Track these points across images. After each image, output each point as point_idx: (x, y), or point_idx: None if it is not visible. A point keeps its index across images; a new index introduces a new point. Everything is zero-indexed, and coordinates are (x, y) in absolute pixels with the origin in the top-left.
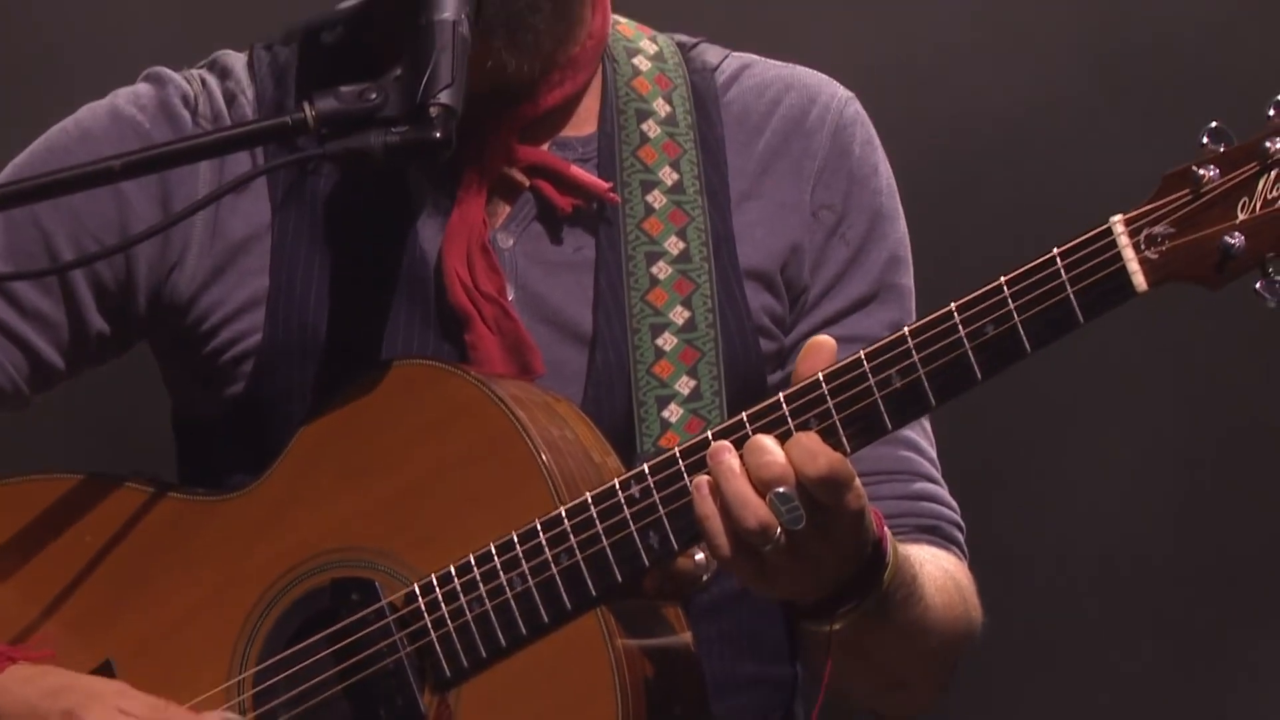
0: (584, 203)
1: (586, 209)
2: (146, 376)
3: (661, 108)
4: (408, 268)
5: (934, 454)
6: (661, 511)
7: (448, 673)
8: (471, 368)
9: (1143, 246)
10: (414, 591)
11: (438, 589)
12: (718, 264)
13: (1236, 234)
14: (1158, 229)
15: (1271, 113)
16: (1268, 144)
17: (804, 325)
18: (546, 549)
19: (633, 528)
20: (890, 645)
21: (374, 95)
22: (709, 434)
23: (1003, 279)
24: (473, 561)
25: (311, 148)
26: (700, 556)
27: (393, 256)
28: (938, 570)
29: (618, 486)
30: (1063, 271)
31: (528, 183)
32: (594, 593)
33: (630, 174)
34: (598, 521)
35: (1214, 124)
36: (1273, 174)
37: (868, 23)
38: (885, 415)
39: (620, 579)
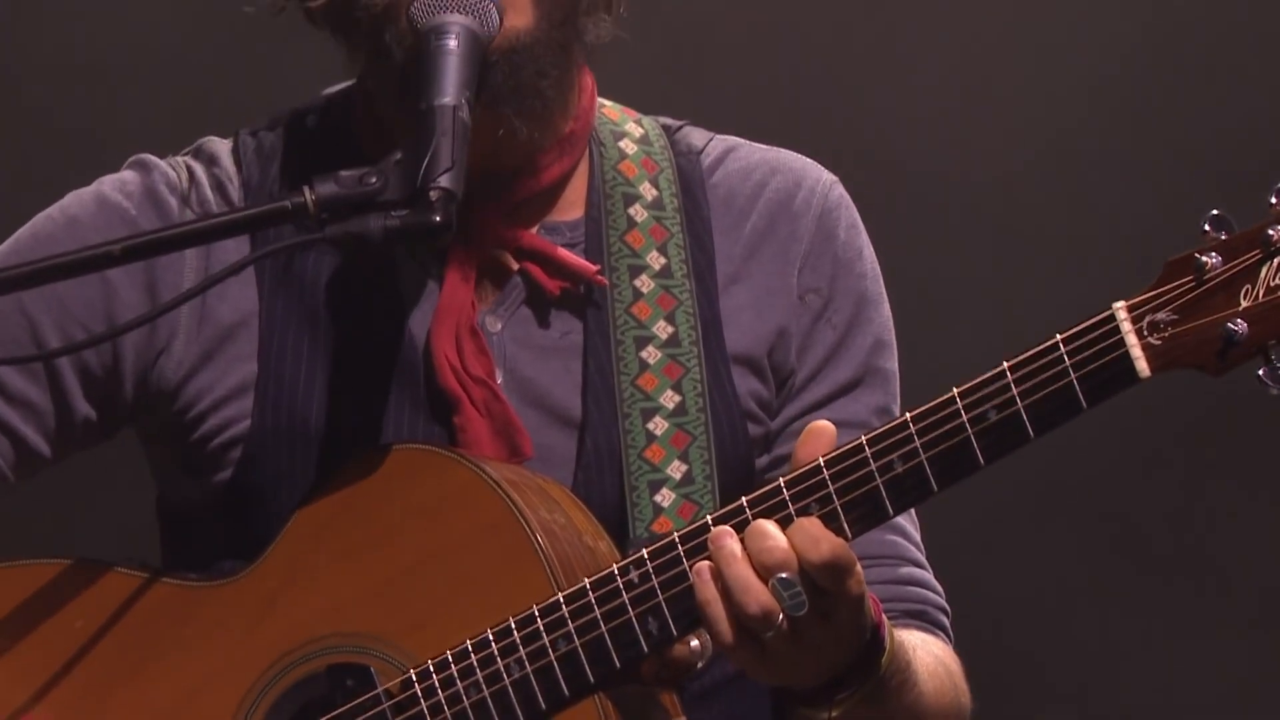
0: (572, 286)
1: (574, 292)
2: (130, 461)
3: (648, 191)
4: (396, 351)
5: (919, 538)
6: (661, 597)
7: None
8: (467, 451)
9: (1145, 333)
10: (410, 678)
11: (434, 675)
12: (706, 348)
13: (1239, 321)
14: (1160, 315)
15: (1274, 200)
16: (1270, 232)
17: (790, 409)
18: (544, 635)
19: (632, 614)
20: None
21: (374, 179)
22: (708, 519)
23: (1005, 364)
24: (469, 648)
25: (308, 232)
26: (696, 643)
27: (381, 340)
28: (928, 656)
29: (616, 572)
30: (1065, 357)
31: (517, 266)
32: (592, 679)
33: (618, 258)
34: (596, 607)
35: (1215, 212)
36: (1275, 261)
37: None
38: (887, 500)
39: (619, 665)
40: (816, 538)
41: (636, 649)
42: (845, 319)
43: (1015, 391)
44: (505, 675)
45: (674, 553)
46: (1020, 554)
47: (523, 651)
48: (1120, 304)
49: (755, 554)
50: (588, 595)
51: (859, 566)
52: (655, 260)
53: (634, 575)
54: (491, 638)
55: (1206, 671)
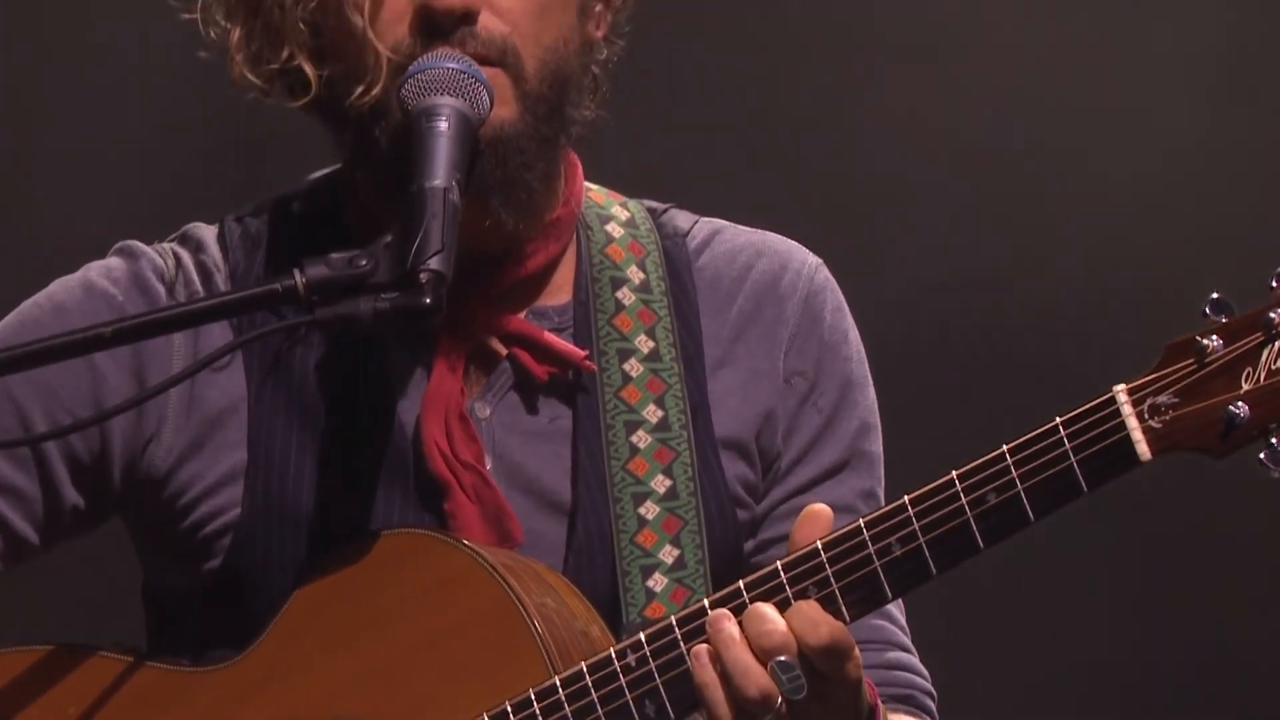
0: (561, 371)
1: (563, 377)
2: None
3: (635, 275)
4: (386, 437)
5: (904, 621)
6: (658, 680)
7: None
8: (463, 536)
9: (1146, 416)
10: None
11: None
12: (696, 432)
13: (1241, 404)
14: (1161, 398)
15: (1274, 284)
16: (1271, 315)
17: (776, 493)
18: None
19: (629, 697)
20: None
21: (364, 261)
22: (705, 602)
23: (1005, 447)
24: None
25: (296, 316)
26: None
27: (370, 426)
28: None
29: (614, 656)
30: (1066, 440)
31: (505, 352)
32: None
33: (606, 342)
34: (593, 690)
35: (1215, 295)
36: (1276, 344)
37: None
38: (886, 584)
39: None
40: (816, 621)
41: None
42: (831, 402)
43: (1015, 474)
44: None
45: (671, 636)
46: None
47: None
48: (1121, 387)
49: (754, 637)
50: (585, 679)
51: (857, 650)
52: (644, 344)
53: (631, 659)
54: None
55: None
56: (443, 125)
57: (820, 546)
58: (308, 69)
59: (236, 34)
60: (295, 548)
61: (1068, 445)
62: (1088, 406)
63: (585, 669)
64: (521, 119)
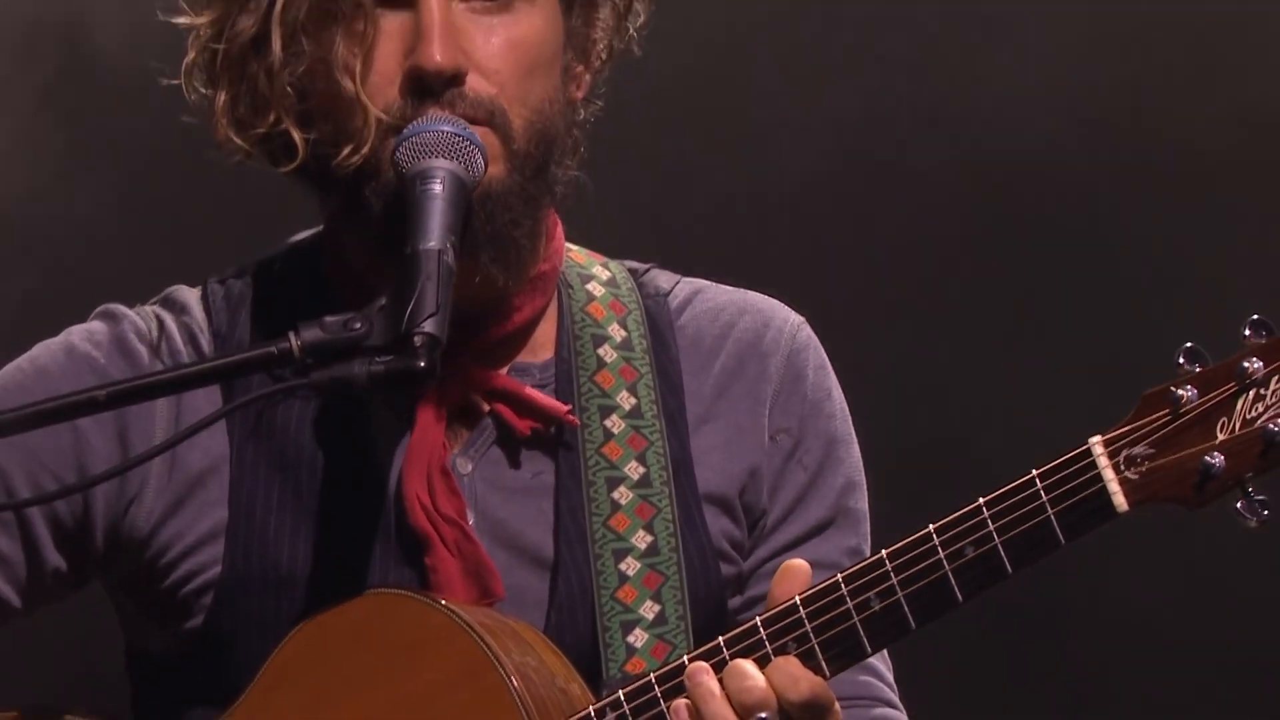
0: (543, 426)
1: (545, 433)
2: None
3: (617, 333)
4: (367, 493)
5: (891, 678)
6: None
7: None
8: (441, 596)
9: (1123, 467)
10: None
11: None
12: (677, 488)
13: (1216, 454)
14: (1137, 449)
15: (1247, 333)
16: (1245, 364)
17: (762, 550)
18: None
19: None
20: None
21: (358, 324)
22: (685, 658)
23: (982, 500)
24: None
25: (281, 379)
26: None
27: (352, 482)
28: None
29: (593, 714)
30: (1043, 493)
31: (487, 407)
32: None
33: (588, 399)
34: None
35: (1189, 344)
36: (1251, 394)
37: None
38: (865, 639)
39: None
40: (795, 677)
41: None
42: (816, 460)
43: (992, 528)
44: None
45: (651, 693)
46: None
47: None
48: (1096, 439)
49: (734, 694)
50: None
51: (838, 705)
52: (625, 400)
53: (611, 717)
54: None
55: None
56: (437, 188)
57: (799, 602)
58: (295, 133)
59: (221, 98)
60: (276, 605)
61: (1045, 497)
62: (1064, 459)
63: None
64: (510, 177)
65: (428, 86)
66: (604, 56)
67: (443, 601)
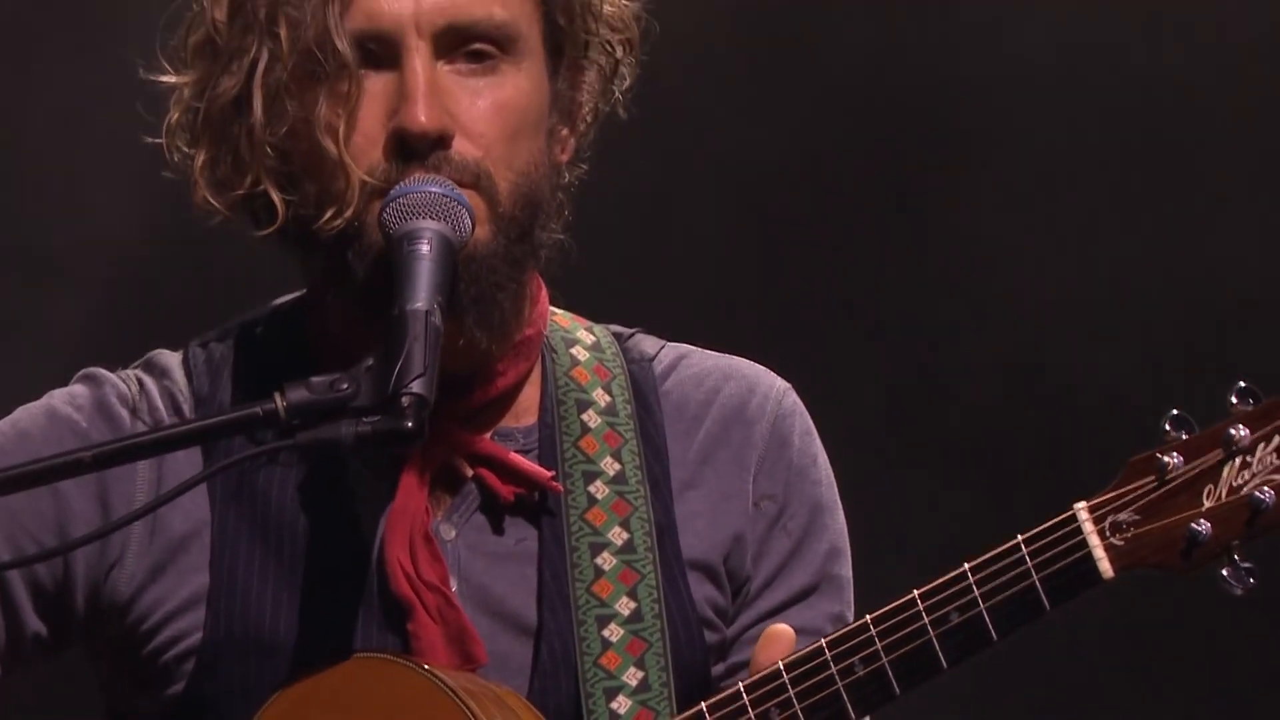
0: (526, 492)
1: (529, 499)
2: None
3: (601, 397)
4: (350, 557)
5: None
6: None
7: None
8: (422, 660)
9: (1108, 533)
10: None
11: None
12: (661, 554)
13: (1203, 521)
14: (1123, 515)
15: (1234, 400)
16: (1232, 431)
17: (746, 616)
18: None
19: None
20: None
21: (345, 385)
22: None
23: (966, 565)
24: None
25: (265, 441)
26: None
27: (334, 547)
28: None
29: None
30: (1028, 559)
31: (470, 472)
32: None
33: (572, 464)
34: None
35: (1175, 411)
36: (1237, 461)
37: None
38: (849, 704)
39: None
40: None
41: None
42: (800, 526)
43: (977, 593)
44: None
45: None
46: None
47: None
48: (1081, 504)
49: None
50: None
51: None
52: (609, 466)
53: None
54: None
55: None
56: (424, 248)
57: (782, 667)
58: (275, 195)
59: (201, 158)
60: (258, 671)
61: (1029, 563)
62: (1049, 524)
63: None
64: (495, 240)
65: (413, 149)
66: (589, 119)
67: (425, 666)
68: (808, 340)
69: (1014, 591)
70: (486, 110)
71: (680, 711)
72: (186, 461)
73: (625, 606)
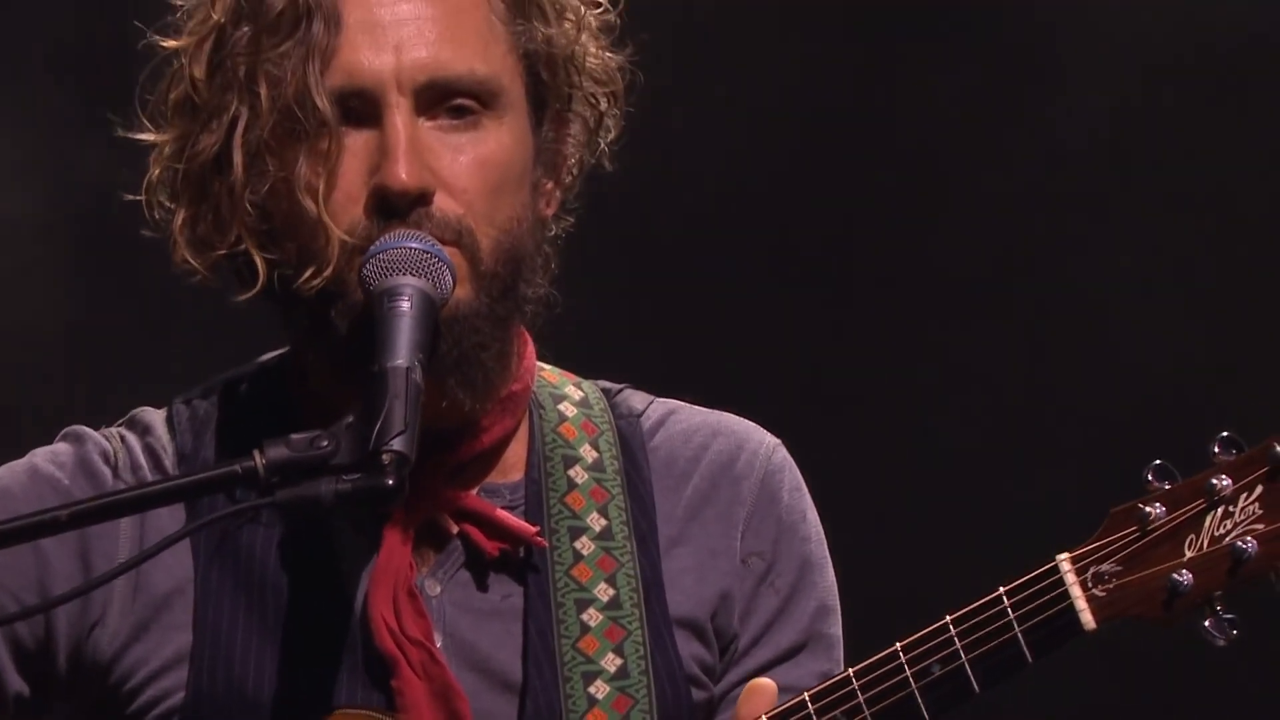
0: (512, 548)
1: (514, 555)
2: None
3: (588, 453)
4: (334, 614)
5: None
6: None
7: None
8: (410, 714)
9: (1090, 584)
10: None
11: None
12: (648, 610)
13: (1185, 572)
14: (1105, 566)
15: (1215, 450)
16: (1214, 481)
17: (734, 674)
18: None
19: None
20: None
21: (325, 443)
22: None
23: (948, 618)
24: None
25: (246, 499)
26: None
27: (318, 603)
28: None
29: None
30: (1009, 610)
31: (456, 528)
32: None
33: (558, 520)
34: None
35: (1158, 462)
36: (1219, 511)
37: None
38: None
39: None
40: None
41: None
42: (789, 584)
43: (959, 645)
44: None
45: None
46: None
47: None
48: (1064, 556)
49: None
50: None
51: None
52: (596, 522)
53: None
54: None
55: None
56: (405, 305)
57: None
58: (255, 255)
59: (181, 217)
60: None
61: (1012, 615)
62: (1030, 576)
63: None
64: (477, 299)
65: (393, 206)
66: (574, 172)
67: None
68: (799, 396)
69: (996, 643)
70: (468, 166)
71: None
72: (170, 519)
73: (611, 663)
